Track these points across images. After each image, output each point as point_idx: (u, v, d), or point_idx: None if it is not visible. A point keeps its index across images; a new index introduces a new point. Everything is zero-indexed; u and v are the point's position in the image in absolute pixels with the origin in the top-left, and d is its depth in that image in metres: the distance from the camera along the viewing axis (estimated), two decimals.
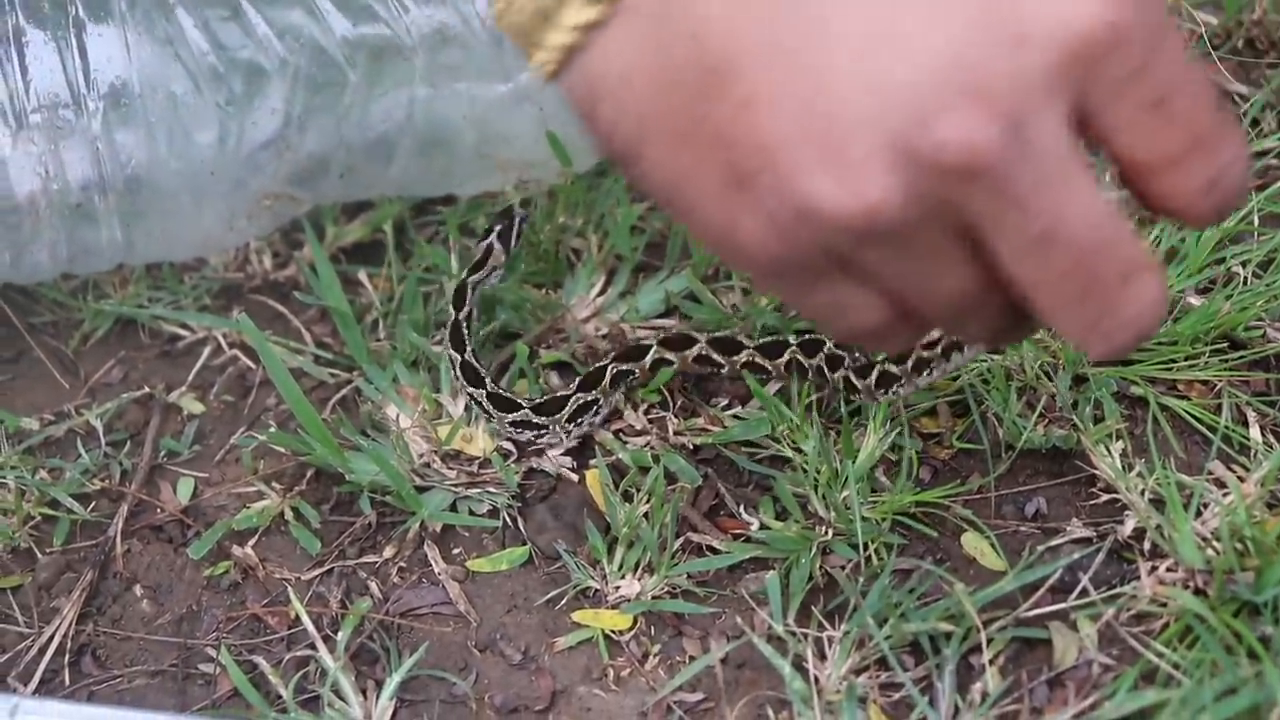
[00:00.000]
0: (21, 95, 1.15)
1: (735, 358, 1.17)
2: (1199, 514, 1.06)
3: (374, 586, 1.12)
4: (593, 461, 1.15)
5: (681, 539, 1.11)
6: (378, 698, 1.04)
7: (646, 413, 1.19)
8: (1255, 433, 1.12)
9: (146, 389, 1.25)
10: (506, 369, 1.21)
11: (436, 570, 1.12)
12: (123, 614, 1.12)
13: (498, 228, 1.24)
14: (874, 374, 1.13)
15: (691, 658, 1.06)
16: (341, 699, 1.04)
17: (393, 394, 1.19)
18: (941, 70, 0.69)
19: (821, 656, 1.03)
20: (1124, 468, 1.10)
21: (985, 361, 1.15)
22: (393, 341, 1.22)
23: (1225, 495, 1.06)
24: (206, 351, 1.27)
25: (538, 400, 1.15)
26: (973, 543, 1.10)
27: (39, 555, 1.15)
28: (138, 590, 1.12)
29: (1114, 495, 1.10)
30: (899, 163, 0.70)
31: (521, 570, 1.12)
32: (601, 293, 1.25)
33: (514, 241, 1.24)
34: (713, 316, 1.22)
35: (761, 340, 1.17)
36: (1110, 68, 0.71)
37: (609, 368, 1.17)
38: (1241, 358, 1.16)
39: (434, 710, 1.05)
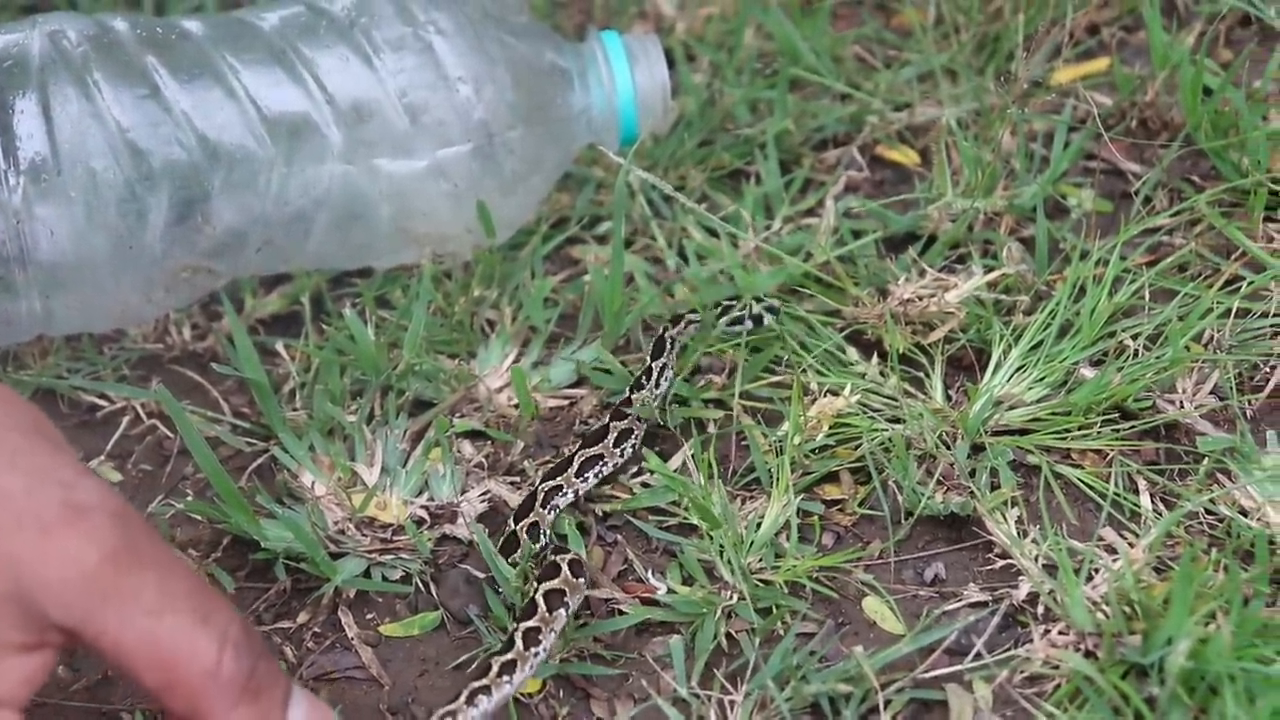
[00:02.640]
0: None
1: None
2: (1090, 579, 1.09)
3: (289, 651, 1.13)
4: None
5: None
6: None
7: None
8: (1145, 500, 1.16)
9: None
10: (421, 438, 1.23)
11: (350, 635, 1.14)
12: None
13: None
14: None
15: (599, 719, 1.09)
16: None
17: (308, 462, 1.21)
18: None
19: (724, 718, 1.06)
20: (1019, 534, 1.14)
21: (886, 431, 1.19)
22: (309, 411, 1.25)
23: (1115, 560, 1.10)
24: (125, 421, 1.28)
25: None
26: (873, 607, 1.13)
27: None
28: None
29: (1009, 561, 1.13)
30: None
31: (433, 635, 1.14)
32: (515, 362, 1.28)
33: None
34: (622, 386, 1.25)
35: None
36: None
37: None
38: (1132, 428, 1.20)
39: None
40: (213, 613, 0.88)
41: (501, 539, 1.15)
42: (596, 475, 1.19)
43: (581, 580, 1.11)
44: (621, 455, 1.20)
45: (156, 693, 0.88)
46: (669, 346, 1.24)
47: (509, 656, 1.06)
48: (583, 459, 1.19)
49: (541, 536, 1.15)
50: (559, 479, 1.18)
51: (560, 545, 1.15)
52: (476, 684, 1.04)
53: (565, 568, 1.10)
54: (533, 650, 1.06)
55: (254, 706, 0.89)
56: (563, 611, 1.09)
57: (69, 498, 0.88)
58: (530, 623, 1.07)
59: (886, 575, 1.15)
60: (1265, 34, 1.46)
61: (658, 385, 1.23)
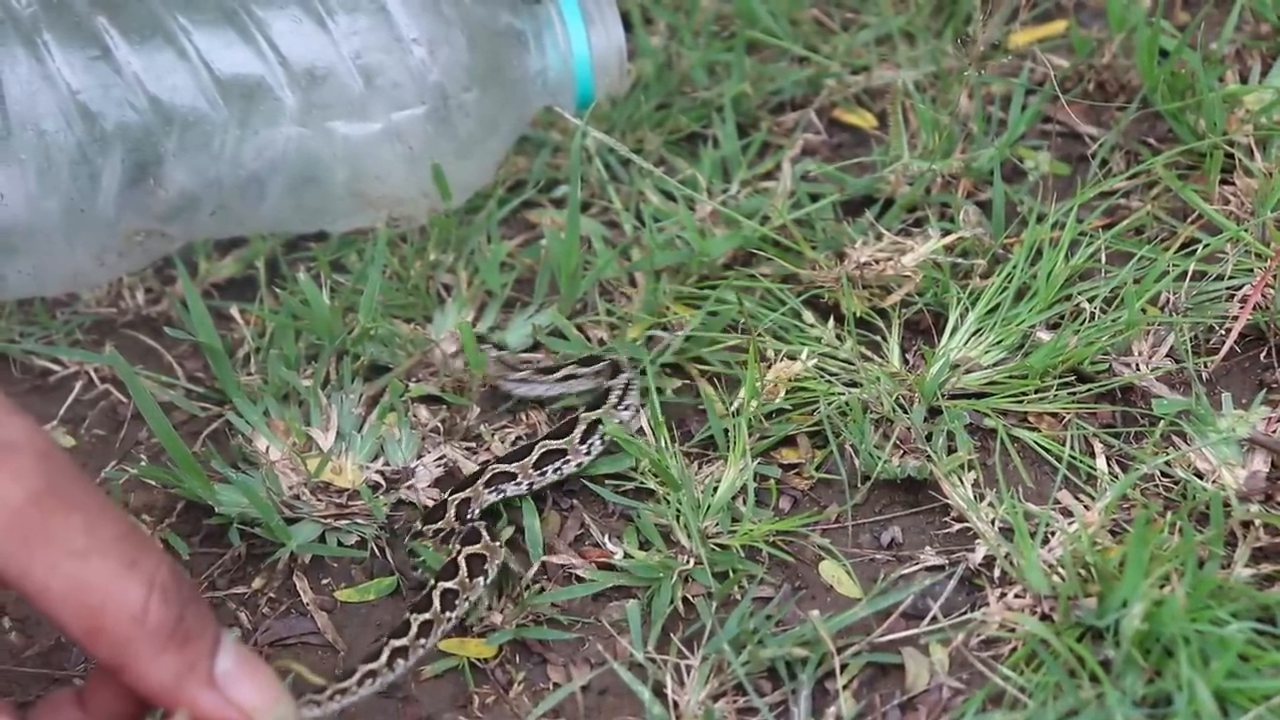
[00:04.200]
0: None
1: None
2: (1046, 542, 1.10)
3: (243, 617, 1.13)
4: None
5: (543, 566, 1.14)
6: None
7: (512, 444, 1.21)
8: (1101, 463, 1.16)
9: None
10: (376, 403, 1.23)
11: (305, 600, 1.13)
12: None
13: None
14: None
15: (555, 685, 1.08)
16: None
17: (263, 427, 1.21)
18: None
19: (681, 683, 1.06)
20: (975, 498, 1.14)
21: (843, 394, 1.19)
22: (264, 376, 1.24)
23: (1071, 524, 1.10)
24: (78, 386, 1.28)
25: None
26: (830, 570, 1.13)
27: None
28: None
29: (965, 524, 1.13)
30: None
31: (389, 600, 1.14)
32: (471, 327, 1.27)
33: None
34: (578, 351, 1.24)
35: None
36: None
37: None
38: (1089, 391, 1.20)
39: None
40: (141, 557, 0.87)
41: (430, 506, 1.15)
42: (556, 471, 1.18)
43: (500, 545, 1.11)
44: (588, 453, 1.19)
45: (80, 638, 0.87)
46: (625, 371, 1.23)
47: (426, 616, 1.06)
48: (544, 450, 1.18)
49: (469, 514, 1.15)
50: (514, 465, 1.17)
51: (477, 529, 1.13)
52: (396, 643, 1.05)
53: (485, 534, 1.11)
54: (448, 614, 1.07)
55: (180, 654, 0.87)
56: (481, 579, 1.09)
57: None
58: (449, 584, 1.07)
59: (843, 539, 1.15)
60: None
61: (625, 405, 1.21)
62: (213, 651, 0.89)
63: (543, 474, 1.17)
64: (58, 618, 0.87)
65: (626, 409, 1.20)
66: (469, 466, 1.19)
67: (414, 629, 1.06)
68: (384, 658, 1.05)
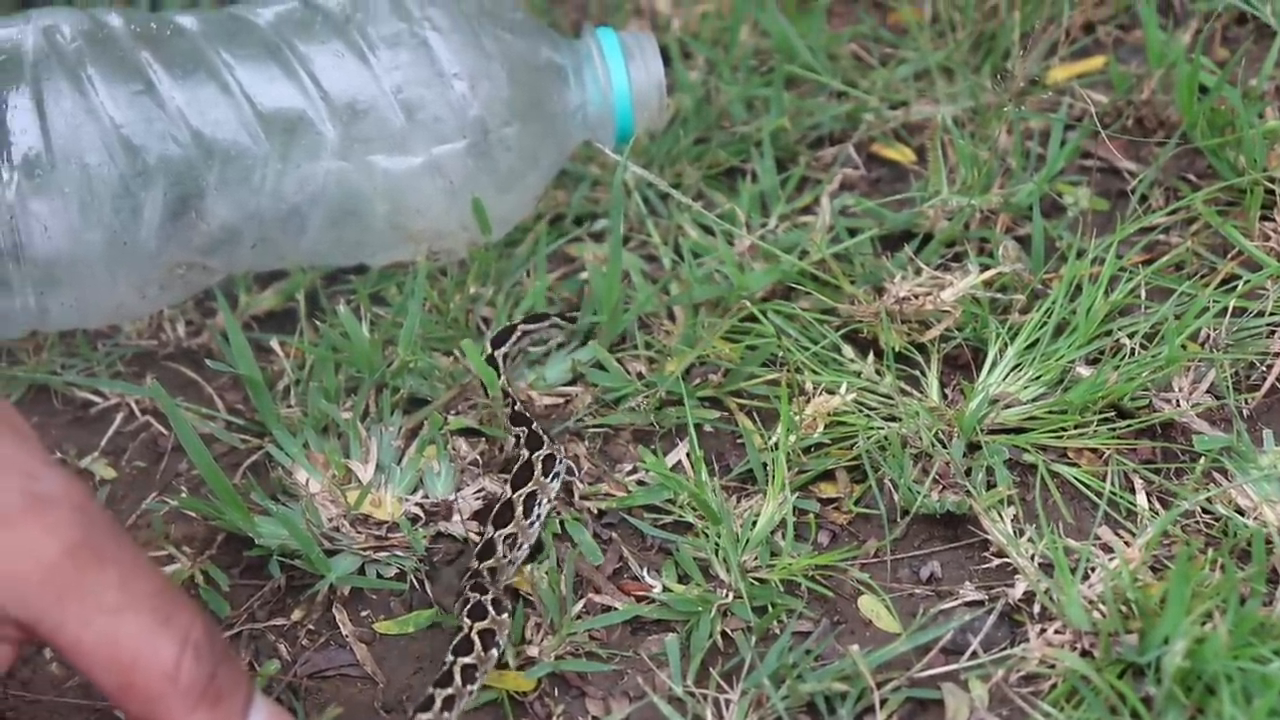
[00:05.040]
0: None
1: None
2: (1086, 578, 1.09)
3: (282, 649, 1.13)
4: None
5: (584, 600, 1.13)
6: None
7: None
8: (1141, 499, 1.16)
9: (59, 454, 1.26)
10: (416, 435, 1.23)
11: (344, 632, 1.14)
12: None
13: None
14: None
15: (594, 718, 1.08)
16: None
17: (303, 459, 1.21)
18: None
19: (720, 717, 1.06)
20: (1015, 533, 1.14)
21: (882, 429, 1.19)
22: (303, 408, 1.24)
23: (1111, 560, 1.10)
24: (119, 418, 1.28)
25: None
26: (869, 605, 1.13)
27: None
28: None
29: (1005, 559, 1.13)
30: None
31: (428, 632, 1.14)
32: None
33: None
34: (618, 384, 1.24)
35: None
36: None
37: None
38: (1129, 426, 1.19)
39: None
40: (175, 614, 0.87)
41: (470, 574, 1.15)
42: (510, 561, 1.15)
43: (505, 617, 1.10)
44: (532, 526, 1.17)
45: (112, 694, 0.87)
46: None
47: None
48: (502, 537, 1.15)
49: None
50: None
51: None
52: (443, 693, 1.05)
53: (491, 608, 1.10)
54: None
55: (211, 713, 0.88)
56: (494, 651, 1.09)
57: (31, 488, 0.87)
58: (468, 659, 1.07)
59: (882, 574, 1.15)
60: (1261, 32, 1.46)
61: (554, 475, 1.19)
62: (245, 710, 0.90)
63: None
64: (90, 673, 0.87)
65: (555, 478, 1.19)
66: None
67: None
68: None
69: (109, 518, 0.89)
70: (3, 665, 0.90)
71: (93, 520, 0.88)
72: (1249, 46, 1.39)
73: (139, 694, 0.86)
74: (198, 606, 0.90)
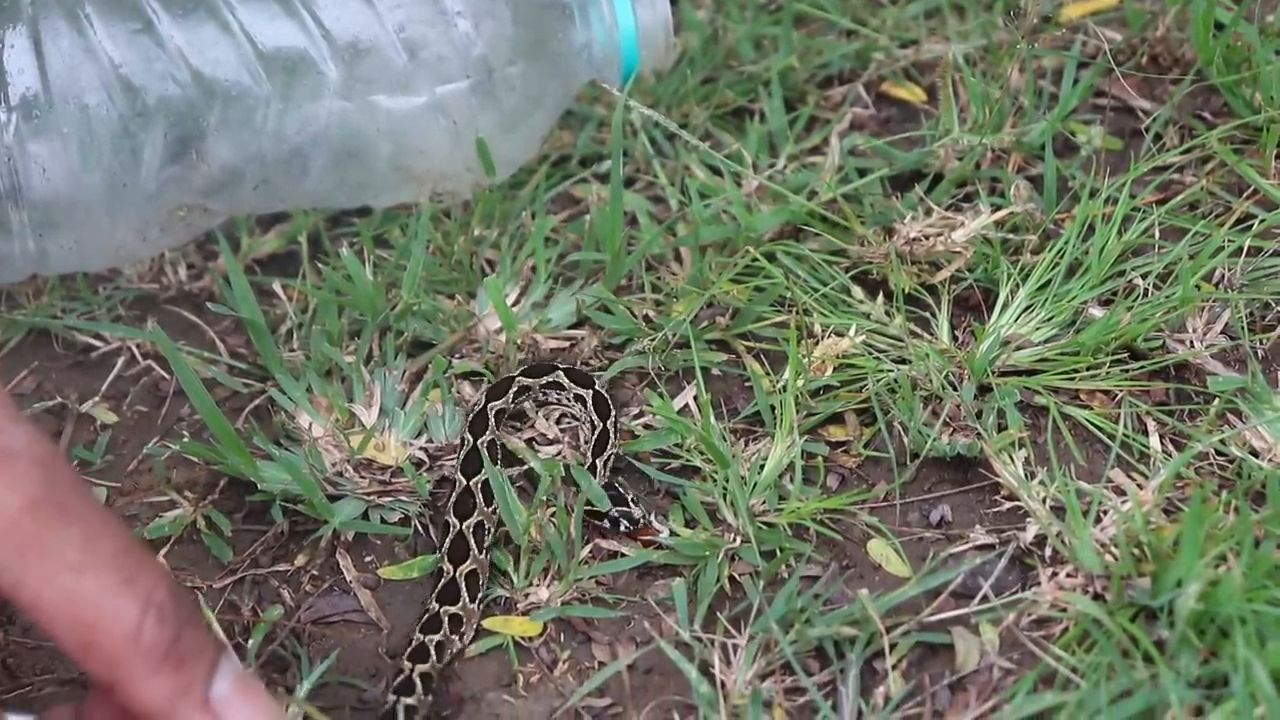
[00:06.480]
0: None
1: None
2: (1098, 521, 1.08)
3: (286, 594, 1.12)
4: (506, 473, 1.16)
5: (590, 545, 1.12)
6: (288, 704, 1.05)
7: (558, 421, 1.20)
8: (1154, 441, 1.15)
9: (60, 399, 1.25)
10: (420, 379, 1.22)
11: (348, 578, 1.13)
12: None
13: None
14: None
15: (600, 663, 1.07)
16: None
17: (306, 404, 1.20)
18: None
19: (727, 662, 1.05)
20: (1026, 476, 1.12)
21: (891, 371, 1.17)
22: (306, 352, 1.23)
23: (1124, 502, 1.09)
24: (120, 362, 1.27)
25: None
26: (878, 549, 1.12)
27: None
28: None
29: (1016, 503, 1.12)
30: None
31: (432, 578, 1.13)
32: (515, 303, 1.26)
33: None
34: (624, 326, 1.23)
35: None
36: None
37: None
38: (1142, 368, 1.18)
39: (344, 717, 1.06)
40: (138, 575, 0.85)
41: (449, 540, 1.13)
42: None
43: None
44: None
45: (75, 654, 0.85)
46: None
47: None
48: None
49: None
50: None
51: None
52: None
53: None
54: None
55: (174, 676, 0.86)
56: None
57: None
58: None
59: (892, 517, 1.13)
60: None
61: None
62: (209, 675, 0.87)
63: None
64: (51, 631, 0.85)
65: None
66: (511, 443, 1.18)
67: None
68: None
69: (73, 475, 0.87)
70: None
71: (56, 476, 0.86)
72: None
73: (100, 655, 0.85)
74: (163, 568, 0.89)
